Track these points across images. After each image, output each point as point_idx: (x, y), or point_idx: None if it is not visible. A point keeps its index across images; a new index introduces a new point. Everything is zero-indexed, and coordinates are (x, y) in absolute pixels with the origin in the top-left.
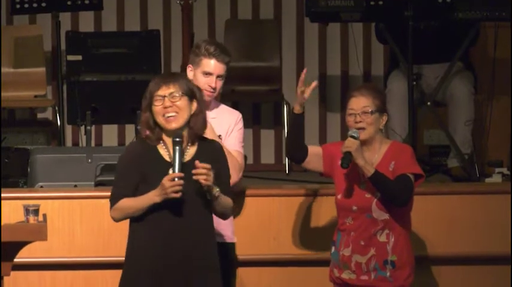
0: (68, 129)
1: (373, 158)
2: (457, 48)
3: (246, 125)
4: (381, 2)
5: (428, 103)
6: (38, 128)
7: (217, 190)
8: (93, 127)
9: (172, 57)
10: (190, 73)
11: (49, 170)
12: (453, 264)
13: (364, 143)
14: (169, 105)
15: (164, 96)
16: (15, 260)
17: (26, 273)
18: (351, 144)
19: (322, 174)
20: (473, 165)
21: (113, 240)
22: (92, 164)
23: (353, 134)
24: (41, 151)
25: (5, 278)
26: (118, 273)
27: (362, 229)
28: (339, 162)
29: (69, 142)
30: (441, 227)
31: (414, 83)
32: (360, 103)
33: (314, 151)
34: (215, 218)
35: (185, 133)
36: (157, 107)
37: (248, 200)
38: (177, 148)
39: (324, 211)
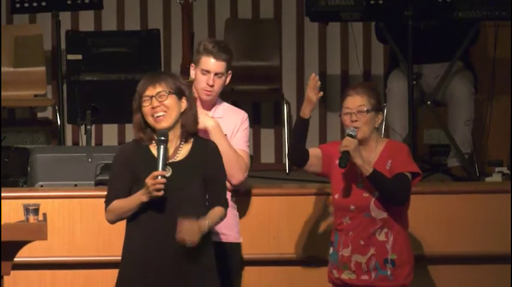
0: (68, 128)
1: (369, 157)
2: (457, 47)
3: None
4: (380, 2)
5: (428, 103)
6: (38, 128)
7: (206, 223)
8: (93, 126)
9: (172, 57)
10: (192, 72)
11: (49, 169)
12: (453, 263)
13: (360, 142)
14: (157, 105)
15: (151, 96)
16: (15, 259)
17: (26, 272)
18: (348, 143)
19: (319, 174)
20: (473, 164)
21: (113, 239)
22: (92, 164)
23: (351, 133)
24: (41, 150)
25: (5, 278)
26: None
27: (360, 228)
28: (337, 161)
29: (69, 141)
30: (441, 226)
31: (414, 82)
32: (356, 102)
33: (313, 153)
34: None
35: (178, 131)
36: (146, 107)
37: (248, 200)
38: (161, 146)
39: (324, 211)
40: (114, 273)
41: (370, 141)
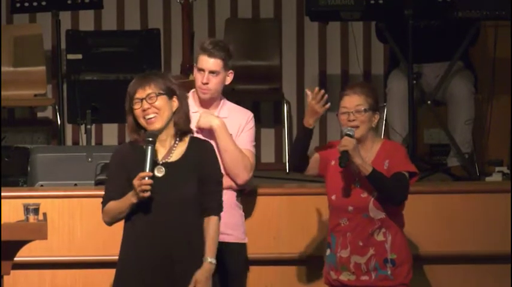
0: (68, 128)
1: (365, 156)
2: (457, 47)
3: None
4: (381, 1)
5: (429, 102)
6: (38, 127)
7: (213, 261)
8: (93, 126)
9: (172, 56)
10: (194, 72)
11: (49, 169)
12: (453, 263)
13: (356, 141)
14: (147, 107)
15: (142, 98)
16: (15, 259)
17: (26, 272)
18: (347, 143)
19: (316, 175)
20: (474, 164)
21: (113, 239)
22: (92, 163)
23: (349, 133)
24: (41, 150)
25: (5, 277)
26: None
27: (359, 229)
28: (332, 162)
29: (69, 141)
30: (441, 226)
31: (414, 82)
32: (353, 101)
33: (311, 157)
34: (226, 219)
35: (171, 131)
36: (137, 110)
37: (248, 199)
38: (149, 147)
39: (324, 210)
40: (113, 273)
41: (366, 141)
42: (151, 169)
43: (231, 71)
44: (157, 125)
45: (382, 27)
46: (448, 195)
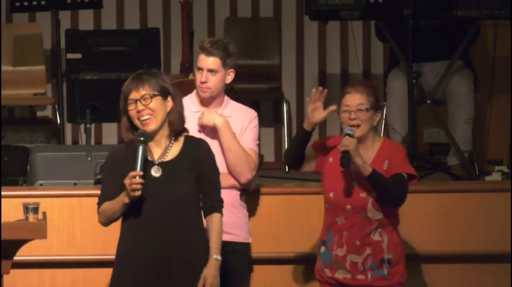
0: (68, 127)
1: (365, 155)
2: (457, 46)
3: None
4: (380, 0)
5: (428, 101)
6: (38, 126)
7: (219, 258)
8: (92, 125)
9: (172, 56)
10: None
11: (49, 168)
12: (452, 262)
13: (357, 141)
14: (142, 109)
15: (136, 100)
16: (14, 258)
17: (26, 271)
18: (349, 143)
19: (314, 171)
20: (473, 163)
21: (113, 238)
22: (91, 162)
23: (349, 132)
24: (41, 149)
25: (5, 276)
26: None
27: (356, 229)
28: (330, 159)
29: (68, 140)
30: (441, 225)
31: (414, 81)
32: (355, 100)
33: (307, 152)
34: (230, 218)
35: (166, 131)
36: (132, 111)
37: (247, 198)
38: (140, 147)
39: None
40: None
41: (366, 139)
42: (142, 168)
43: (231, 69)
44: (152, 126)
45: (381, 26)
46: (447, 194)
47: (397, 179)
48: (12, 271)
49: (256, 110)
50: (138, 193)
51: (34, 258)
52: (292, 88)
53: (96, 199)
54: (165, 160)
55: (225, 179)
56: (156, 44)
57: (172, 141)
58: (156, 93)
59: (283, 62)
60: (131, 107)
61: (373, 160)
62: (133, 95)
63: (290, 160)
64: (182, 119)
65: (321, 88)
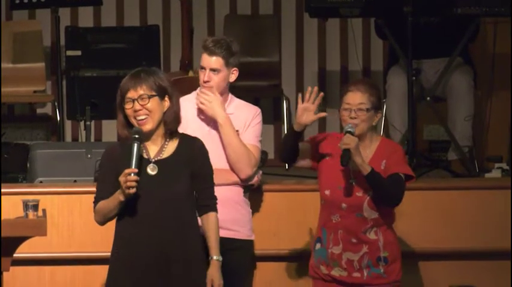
0: (68, 124)
1: (364, 154)
2: (457, 43)
3: None
4: None
5: (428, 98)
6: (38, 124)
7: (219, 258)
8: (92, 122)
9: (171, 53)
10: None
11: (48, 165)
12: (452, 259)
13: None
14: (139, 109)
15: (133, 99)
16: (14, 255)
17: (25, 268)
18: (350, 141)
19: (310, 168)
20: (473, 160)
21: (112, 235)
22: (91, 160)
23: (349, 130)
24: (41, 146)
25: (5, 274)
26: None
27: (351, 228)
28: (327, 157)
29: (68, 137)
30: (440, 222)
31: (414, 78)
32: (357, 99)
33: (302, 147)
34: (233, 215)
35: (161, 130)
36: (128, 110)
37: (248, 196)
38: (135, 144)
39: None
40: None
41: (365, 138)
42: (137, 165)
43: (235, 68)
44: (148, 126)
45: (381, 23)
46: (447, 191)
47: (395, 179)
48: (12, 268)
49: None
50: (132, 191)
51: (34, 255)
52: (292, 85)
53: None
54: (161, 158)
55: (228, 176)
56: (155, 41)
57: (168, 140)
58: (153, 93)
59: (282, 59)
60: (128, 106)
61: (371, 159)
62: (131, 94)
63: (283, 156)
64: (178, 119)
65: (316, 89)
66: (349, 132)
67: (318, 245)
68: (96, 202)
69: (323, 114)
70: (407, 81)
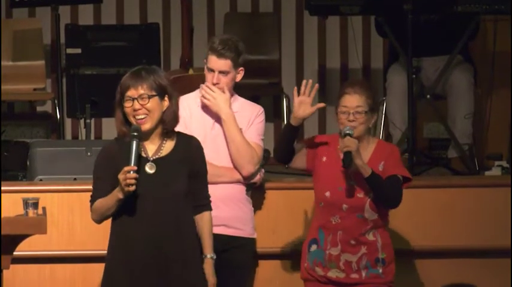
0: (68, 122)
1: (361, 155)
2: (457, 41)
3: None
4: None
5: (428, 96)
6: (38, 121)
7: (210, 257)
8: (92, 120)
9: (171, 51)
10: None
11: (48, 163)
12: (451, 257)
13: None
14: (139, 108)
15: (134, 98)
16: (14, 253)
17: (25, 266)
18: (350, 143)
19: (303, 170)
20: (473, 158)
21: None
22: (91, 157)
23: (348, 132)
24: (41, 144)
25: (5, 272)
26: None
27: (351, 229)
28: (324, 158)
29: (68, 135)
30: (440, 220)
31: (414, 76)
32: (354, 102)
33: (298, 149)
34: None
35: (159, 130)
36: (128, 108)
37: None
38: (134, 141)
39: None
40: None
41: (362, 140)
42: (136, 163)
43: (241, 68)
44: (147, 125)
45: (381, 21)
46: (447, 189)
47: (393, 182)
48: (12, 266)
49: None
50: (132, 188)
51: (34, 253)
52: (292, 83)
53: None
54: (159, 156)
55: (231, 174)
56: (155, 39)
57: (165, 139)
58: (154, 93)
59: (282, 57)
60: (128, 104)
61: (369, 160)
62: (131, 93)
63: (279, 155)
64: (176, 119)
65: (311, 81)
66: (349, 134)
67: (314, 247)
68: (93, 200)
69: (321, 105)
70: (407, 79)
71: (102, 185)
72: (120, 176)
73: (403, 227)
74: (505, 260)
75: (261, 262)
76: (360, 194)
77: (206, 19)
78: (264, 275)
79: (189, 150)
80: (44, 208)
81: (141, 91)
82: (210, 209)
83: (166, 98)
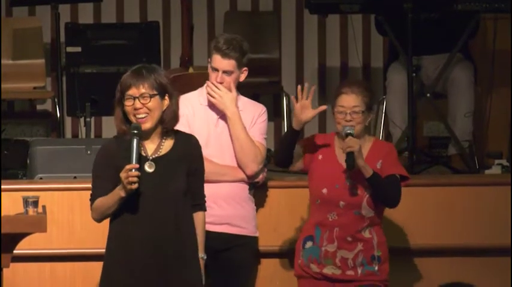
0: (68, 121)
1: None
2: (457, 40)
3: None
4: None
5: (428, 95)
6: (38, 120)
7: (201, 257)
8: (92, 119)
9: (171, 49)
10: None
11: (48, 161)
12: (452, 256)
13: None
14: (139, 107)
15: (135, 97)
16: (14, 251)
17: (25, 265)
18: (353, 143)
19: (301, 171)
20: (473, 156)
21: None
22: (91, 156)
23: (350, 131)
24: (41, 143)
25: (5, 270)
26: None
27: (348, 226)
28: (320, 157)
29: (68, 134)
30: (440, 218)
31: (414, 74)
32: (351, 102)
33: (295, 152)
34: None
35: (159, 129)
36: (128, 107)
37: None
38: (135, 139)
39: None
40: None
41: (359, 139)
42: (138, 161)
43: (245, 68)
44: (147, 125)
45: (381, 19)
46: (447, 187)
47: (392, 181)
48: (12, 264)
49: None
50: (135, 186)
51: (34, 251)
52: (292, 82)
53: None
54: (159, 155)
55: (235, 173)
56: (156, 37)
57: (164, 138)
58: (155, 92)
59: (282, 55)
60: (128, 103)
61: (366, 159)
62: (132, 92)
63: (280, 160)
64: (176, 118)
65: (307, 85)
66: (350, 134)
67: (309, 244)
68: (92, 199)
69: (323, 107)
70: (407, 78)
71: (101, 184)
72: (122, 175)
73: (403, 226)
74: (504, 259)
75: (263, 260)
76: (358, 191)
77: (206, 18)
78: (265, 273)
79: (188, 148)
80: (44, 207)
81: (143, 90)
82: (204, 209)
83: (166, 97)
